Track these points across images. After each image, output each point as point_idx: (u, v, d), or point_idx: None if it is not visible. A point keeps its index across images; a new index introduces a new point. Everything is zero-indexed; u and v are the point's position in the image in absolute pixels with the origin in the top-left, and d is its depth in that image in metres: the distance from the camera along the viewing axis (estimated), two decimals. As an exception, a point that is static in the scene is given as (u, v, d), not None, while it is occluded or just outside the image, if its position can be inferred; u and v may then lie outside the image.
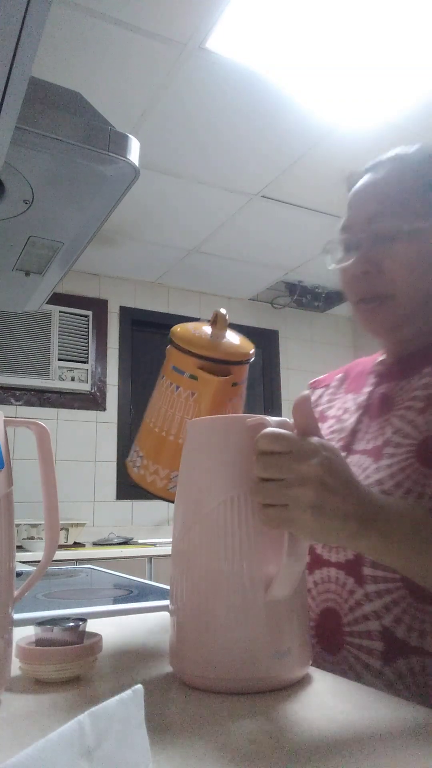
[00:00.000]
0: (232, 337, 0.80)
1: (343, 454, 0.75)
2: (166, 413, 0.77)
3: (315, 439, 0.55)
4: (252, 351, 0.80)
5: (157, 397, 0.79)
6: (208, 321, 0.83)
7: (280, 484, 0.53)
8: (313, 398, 0.93)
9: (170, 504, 0.72)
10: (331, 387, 0.91)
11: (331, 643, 0.68)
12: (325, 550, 0.72)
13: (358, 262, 0.75)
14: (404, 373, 0.77)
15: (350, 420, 0.80)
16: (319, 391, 0.94)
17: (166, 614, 0.88)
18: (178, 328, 0.79)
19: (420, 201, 0.73)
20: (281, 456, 0.54)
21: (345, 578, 0.69)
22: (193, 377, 0.74)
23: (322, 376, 0.97)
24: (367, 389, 0.81)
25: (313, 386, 0.96)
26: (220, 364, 0.75)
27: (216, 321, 0.78)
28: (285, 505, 0.53)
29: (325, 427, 0.84)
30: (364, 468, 0.71)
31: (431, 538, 0.57)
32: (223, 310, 0.79)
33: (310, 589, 0.73)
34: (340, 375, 0.91)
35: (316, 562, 0.73)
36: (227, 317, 0.79)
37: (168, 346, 0.79)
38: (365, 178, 0.79)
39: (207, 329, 0.79)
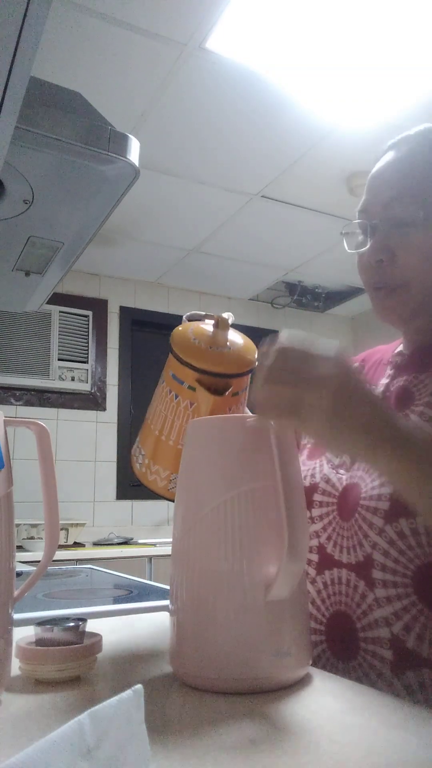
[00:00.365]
0: (236, 341, 0.77)
1: None
2: (165, 419, 0.76)
3: (333, 348, 0.54)
4: (255, 358, 0.77)
5: (158, 401, 0.78)
6: (211, 318, 0.82)
7: (296, 383, 0.51)
8: None
9: (170, 504, 0.71)
10: None
11: (345, 649, 0.66)
12: (336, 549, 0.70)
13: (372, 250, 0.73)
14: (424, 366, 0.74)
15: None
16: None
17: (166, 614, 0.88)
18: (178, 333, 0.76)
19: None
20: (296, 361, 0.53)
21: (356, 581, 0.66)
22: (191, 388, 0.72)
23: None
24: (384, 381, 0.78)
25: None
26: (220, 377, 0.73)
27: (218, 326, 0.75)
28: (296, 406, 0.51)
29: None
30: None
31: None
32: (226, 315, 0.76)
33: (319, 591, 0.70)
34: (356, 364, 0.88)
35: (326, 563, 0.70)
36: (230, 322, 0.76)
37: (168, 352, 0.76)
38: (386, 157, 0.76)
39: (208, 331, 0.76)
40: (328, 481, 0.74)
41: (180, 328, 0.77)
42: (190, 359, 0.72)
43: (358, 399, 0.54)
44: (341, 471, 0.73)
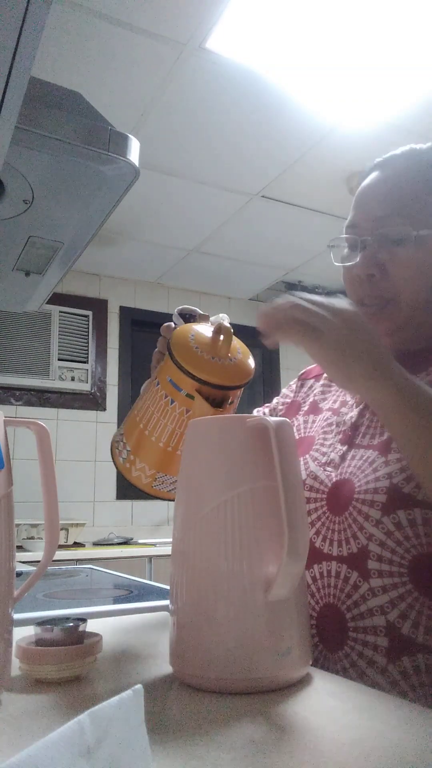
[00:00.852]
0: (236, 350, 0.75)
1: (344, 447, 0.75)
2: (158, 421, 0.75)
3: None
4: (253, 367, 0.76)
5: (150, 401, 0.77)
6: (205, 318, 0.80)
7: (321, 308, 0.61)
8: (303, 389, 0.93)
9: (170, 504, 0.71)
10: (323, 378, 0.90)
11: (334, 640, 0.67)
12: (326, 543, 0.71)
13: (362, 264, 0.75)
14: (409, 371, 0.76)
15: (350, 414, 0.79)
16: (309, 382, 0.93)
17: (166, 614, 0.88)
18: (179, 338, 0.74)
19: (429, 203, 0.73)
20: (318, 299, 0.62)
21: (348, 572, 0.68)
22: (189, 396, 0.71)
23: (311, 367, 0.96)
24: None
25: (303, 377, 0.96)
26: (221, 389, 0.72)
27: (222, 335, 0.74)
28: (317, 328, 0.59)
29: (319, 419, 0.83)
30: (371, 461, 0.70)
31: None
32: (221, 317, 0.75)
33: (308, 586, 0.72)
34: None
35: (315, 557, 0.72)
36: (232, 331, 0.75)
37: (167, 357, 0.74)
38: (374, 176, 0.78)
39: (209, 338, 0.74)
40: (315, 478, 0.75)
41: (180, 333, 0.75)
42: (192, 370, 0.71)
43: (370, 335, 0.61)
44: (329, 468, 0.75)
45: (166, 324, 0.81)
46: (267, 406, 0.99)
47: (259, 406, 1.02)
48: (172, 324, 0.81)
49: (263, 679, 0.52)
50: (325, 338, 0.59)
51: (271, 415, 0.96)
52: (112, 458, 0.83)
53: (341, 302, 0.63)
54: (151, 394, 0.77)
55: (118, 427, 0.87)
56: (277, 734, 0.43)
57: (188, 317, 0.83)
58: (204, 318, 0.82)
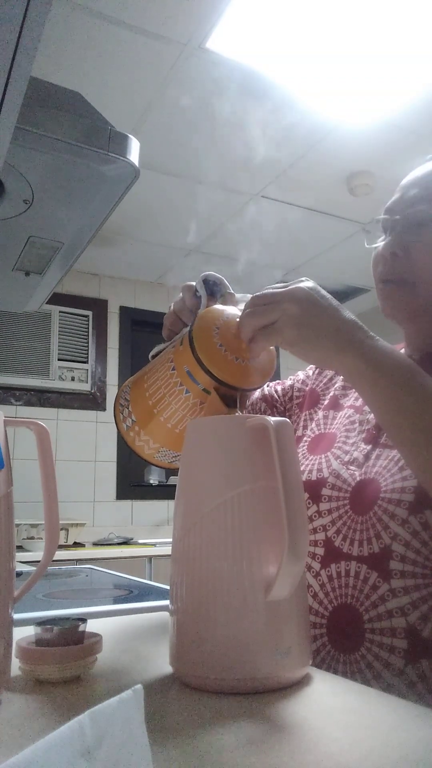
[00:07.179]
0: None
1: (368, 446, 0.74)
2: (169, 404, 0.73)
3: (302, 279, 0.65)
4: (274, 366, 0.72)
5: (161, 381, 0.74)
6: (231, 295, 0.76)
7: (271, 302, 0.62)
8: (321, 379, 0.91)
9: (170, 504, 0.70)
10: None
11: (349, 641, 0.66)
12: (346, 543, 0.70)
13: (387, 244, 0.75)
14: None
15: None
16: (328, 373, 0.91)
17: (166, 614, 0.88)
18: (203, 332, 0.68)
19: None
20: (271, 290, 0.63)
21: (368, 572, 0.66)
22: (206, 391, 0.69)
23: None
24: None
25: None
26: (240, 391, 0.70)
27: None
28: (270, 320, 0.61)
29: (341, 416, 0.82)
30: (396, 460, 0.69)
31: (413, 374, 0.60)
32: (240, 296, 0.72)
33: (323, 585, 0.71)
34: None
35: (334, 556, 0.71)
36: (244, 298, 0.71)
37: (187, 346, 0.69)
38: (424, 165, 0.78)
39: (235, 334, 0.69)
40: (338, 476, 0.74)
41: (204, 324, 0.70)
42: (215, 371, 0.67)
43: (325, 307, 0.62)
44: (352, 467, 0.74)
45: (188, 284, 0.76)
46: (280, 383, 0.97)
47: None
48: (195, 287, 0.76)
49: (263, 679, 0.52)
50: (283, 330, 0.61)
51: (284, 395, 0.94)
52: (115, 420, 0.80)
53: (292, 286, 0.63)
54: (163, 376, 0.74)
55: (122, 385, 0.83)
56: (277, 734, 0.43)
57: (213, 285, 0.77)
58: (230, 297, 0.77)
